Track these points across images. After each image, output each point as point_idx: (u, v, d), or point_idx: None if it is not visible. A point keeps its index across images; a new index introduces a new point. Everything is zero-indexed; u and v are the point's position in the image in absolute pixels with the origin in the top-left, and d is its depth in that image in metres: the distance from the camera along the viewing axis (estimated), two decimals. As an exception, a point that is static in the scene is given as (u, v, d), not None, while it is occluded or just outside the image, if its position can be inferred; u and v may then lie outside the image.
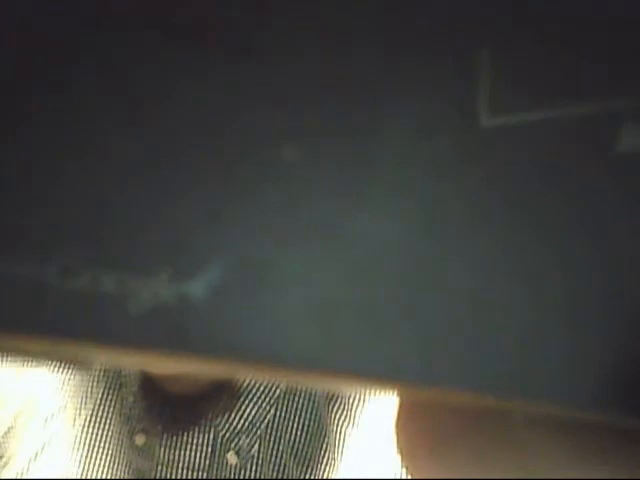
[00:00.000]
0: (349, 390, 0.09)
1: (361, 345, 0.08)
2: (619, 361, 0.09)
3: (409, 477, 0.10)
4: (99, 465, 0.60)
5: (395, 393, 0.09)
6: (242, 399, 0.58)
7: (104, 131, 0.07)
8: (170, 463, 0.58)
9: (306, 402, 0.58)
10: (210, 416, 0.57)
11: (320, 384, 0.09)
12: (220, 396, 0.58)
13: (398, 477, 0.55)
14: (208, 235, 0.07)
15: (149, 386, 0.59)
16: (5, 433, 0.63)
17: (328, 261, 0.08)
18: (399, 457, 0.11)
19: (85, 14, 0.07)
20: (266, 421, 0.58)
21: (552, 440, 0.10)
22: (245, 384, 0.58)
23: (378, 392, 0.10)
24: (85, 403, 0.62)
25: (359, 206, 0.08)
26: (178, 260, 0.07)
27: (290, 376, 0.09)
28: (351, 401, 0.58)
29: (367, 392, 0.10)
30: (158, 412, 0.58)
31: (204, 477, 0.57)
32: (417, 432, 0.10)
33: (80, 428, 0.61)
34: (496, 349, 0.08)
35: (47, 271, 0.07)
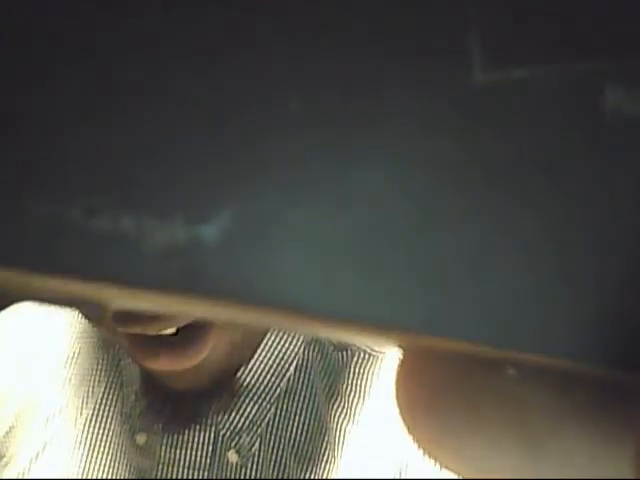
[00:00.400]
0: (348, 338, 0.09)
1: (360, 292, 0.08)
2: (611, 314, 0.09)
3: (408, 433, 0.11)
4: (100, 464, 0.60)
5: (392, 343, 0.10)
6: (243, 398, 0.58)
7: (124, 89, 0.08)
8: (171, 462, 0.58)
9: (306, 401, 0.58)
10: (210, 413, 0.57)
11: (320, 331, 0.09)
12: (220, 393, 0.58)
13: (398, 476, 0.55)
14: (220, 184, 0.08)
15: (150, 383, 0.59)
16: (6, 432, 0.63)
17: (329, 213, 0.08)
18: (399, 414, 0.11)
19: None
20: (267, 420, 0.58)
21: (544, 393, 0.10)
22: (246, 383, 0.58)
23: (375, 341, 0.10)
24: (86, 402, 0.62)
25: (359, 160, 0.08)
26: (192, 205, 0.08)
27: (291, 321, 0.09)
28: (351, 399, 0.58)
29: (366, 341, 0.10)
30: (159, 409, 0.58)
31: (205, 476, 0.57)
32: (415, 389, 0.11)
33: (81, 427, 0.61)
34: (492, 300, 0.09)
35: (70, 211, 0.08)
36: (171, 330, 0.50)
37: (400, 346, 0.10)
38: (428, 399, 0.10)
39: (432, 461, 0.11)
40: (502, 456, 0.10)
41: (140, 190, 0.08)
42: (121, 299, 0.09)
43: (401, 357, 0.11)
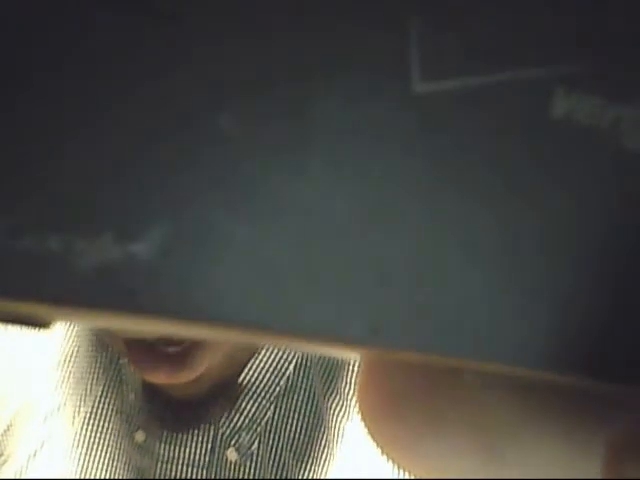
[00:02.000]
0: (296, 348, 0.09)
1: (301, 304, 0.08)
2: (565, 320, 0.09)
3: (370, 437, 0.11)
4: (99, 462, 0.60)
5: (342, 354, 0.10)
6: (242, 397, 0.58)
7: (55, 106, 0.08)
8: (170, 460, 0.58)
9: (305, 399, 0.58)
10: (210, 418, 0.58)
11: (266, 341, 0.09)
12: (221, 398, 0.58)
13: (397, 475, 0.55)
14: (152, 199, 0.08)
15: (151, 390, 0.59)
16: (4, 431, 0.63)
17: (266, 226, 0.08)
18: (361, 420, 0.11)
19: None
20: (266, 418, 0.58)
21: (503, 400, 0.10)
22: (245, 382, 0.58)
23: (325, 352, 0.10)
24: (84, 401, 0.62)
25: (297, 172, 0.08)
26: (123, 222, 0.08)
27: (235, 335, 0.09)
28: (350, 398, 0.58)
29: (314, 350, 0.10)
30: (160, 416, 0.58)
31: (204, 474, 0.57)
32: (376, 393, 0.11)
33: (79, 426, 0.61)
34: (443, 309, 0.08)
35: None
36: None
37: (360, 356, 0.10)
38: (388, 403, 0.11)
39: (392, 463, 0.11)
40: (460, 458, 0.10)
41: (67, 209, 0.07)
42: (59, 317, 0.09)
43: (362, 363, 0.11)
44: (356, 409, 0.11)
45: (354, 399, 0.58)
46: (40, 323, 0.09)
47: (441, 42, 0.08)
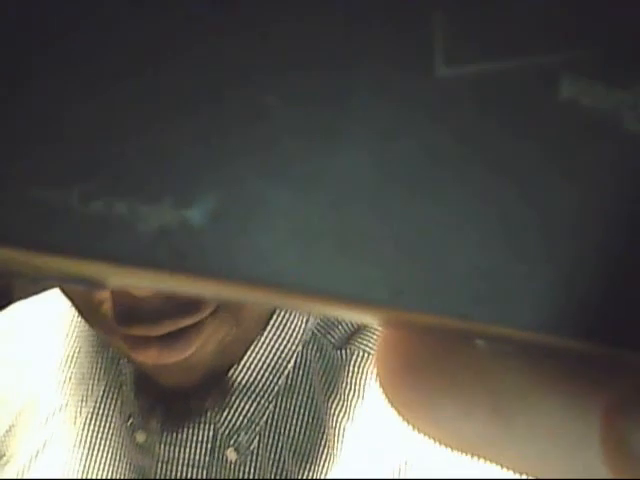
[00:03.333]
0: (328, 313, 0.10)
1: (336, 268, 0.09)
2: (574, 287, 0.09)
3: (387, 401, 0.11)
4: (100, 463, 0.60)
5: (368, 318, 0.10)
6: (240, 395, 0.58)
7: (115, 78, 0.08)
8: (170, 460, 0.58)
9: (305, 399, 0.58)
10: (206, 411, 0.58)
11: (300, 306, 0.10)
12: (211, 390, 0.58)
13: (397, 475, 0.55)
14: (205, 170, 0.09)
15: (142, 383, 0.60)
16: (6, 431, 0.63)
17: (306, 193, 0.09)
18: (379, 385, 0.12)
19: None
20: (265, 417, 0.58)
21: (513, 366, 0.11)
22: (242, 380, 0.58)
23: (354, 316, 0.11)
24: (86, 401, 0.62)
25: (332, 147, 0.09)
26: (180, 190, 0.08)
27: (272, 297, 0.10)
28: (349, 397, 0.58)
29: (342, 315, 0.11)
30: (151, 408, 0.59)
31: (204, 474, 0.57)
32: (395, 360, 0.11)
33: (81, 426, 0.61)
34: (461, 275, 0.09)
35: (68, 196, 0.08)
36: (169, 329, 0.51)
37: (381, 322, 0.11)
38: (404, 369, 0.11)
39: (410, 427, 0.11)
40: (472, 421, 0.11)
41: (132, 177, 0.08)
42: (117, 277, 0.10)
43: (381, 332, 0.12)
44: (374, 373, 0.12)
45: (354, 398, 0.58)
46: (97, 284, 0.10)
47: (461, 30, 0.09)
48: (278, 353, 0.59)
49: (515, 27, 0.09)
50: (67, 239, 0.08)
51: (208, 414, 0.58)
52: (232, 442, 0.57)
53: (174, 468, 0.58)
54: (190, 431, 0.58)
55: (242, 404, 0.58)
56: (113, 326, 0.52)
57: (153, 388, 0.59)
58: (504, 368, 0.11)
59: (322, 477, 0.56)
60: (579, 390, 0.11)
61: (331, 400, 0.58)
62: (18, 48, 0.08)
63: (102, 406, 0.62)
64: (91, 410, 0.62)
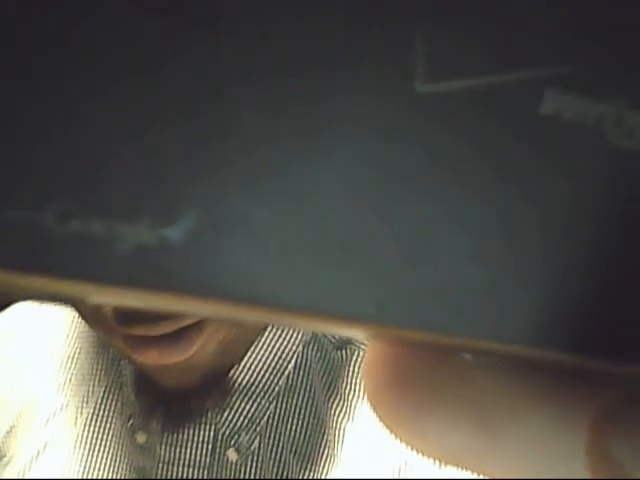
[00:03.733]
0: (313, 328, 0.10)
1: (317, 284, 0.09)
2: (561, 299, 0.09)
3: (375, 414, 0.11)
4: (101, 463, 0.60)
5: (355, 333, 0.10)
6: (241, 396, 0.58)
7: (91, 95, 0.08)
8: (171, 461, 0.58)
9: (305, 398, 0.58)
10: (206, 412, 0.58)
11: (289, 322, 0.10)
12: (212, 391, 0.58)
13: (397, 475, 0.55)
14: (183, 189, 0.09)
15: (142, 383, 0.60)
16: (7, 432, 0.63)
17: (286, 210, 0.09)
18: (367, 397, 0.12)
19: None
20: (266, 417, 0.58)
21: (501, 379, 0.11)
22: (242, 381, 0.58)
23: (335, 330, 0.10)
24: (86, 402, 0.62)
25: (313, 165, 0.09)
26: (158, 209, 0.08)
27: (259, 314, 0.09)
28: (350, 397, 0.58)
29: (328, 330, 0.10)
30: (151, 409, 0.59)
31: (205, 474, 0.57)
32: (382, 373, 0.11)
33: (82, 427, 0.61)
34: (443, 288, 0.09)
35: (44, 216, 0.08)
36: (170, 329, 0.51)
37: (367, 337, 0.11)
38: (392, 382, 0.11)
39: (397, 440, 0.11)
40: (460, 435, 0.11)
41: (109, 196, 0.08)
42: (98, 295, 0.09)
43: (369, 345, 0.12)
44: (363, 387, 0.12)
45: (355, 398, 0.58)
46: (77, 302, 0.10)
47: (442, 46, 0.09)
48: (279, 353, 0.59)
49: (497, 43, 0.09)
50: (44, 260, 0.08)
51: (209, 414, 0.58)
52: (233, 442, 0.57)
53: (175, 469, 0.58)
54: (191, 431, 0.58)
55: (243, 404, 0.58)
56: (113, 326, 0.52)
57: (153, 389, 0.59)
58: (492, 381, 0.11)
59: (323, 477, 0.56)
60: (567, 402, 0.11)
61: (332, 400, 0.58)
62: None
63: (103, 407, 0.62)
64: (91, 411, 0.62)
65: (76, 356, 0.64)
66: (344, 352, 0.59)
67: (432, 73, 0.09)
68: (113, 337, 0.54)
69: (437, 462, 0.11)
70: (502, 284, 0.09)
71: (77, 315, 0.61)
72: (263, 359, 0.59)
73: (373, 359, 0.11)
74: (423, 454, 0.12)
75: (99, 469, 0.60)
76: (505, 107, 0.09)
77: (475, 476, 0.12)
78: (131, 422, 0.60)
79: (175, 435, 0.58)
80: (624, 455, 0.10)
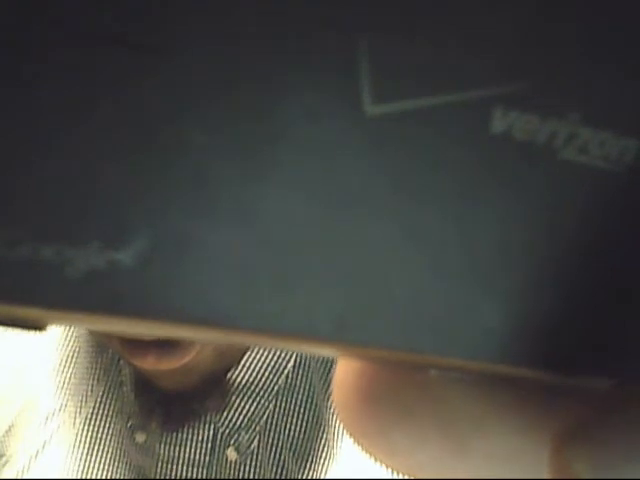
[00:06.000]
0: (276, 346, 0.10)
1: (276, 305, 0.09)
2: (524, 315, 0.09)
3: (346, 430, 0.12)
4: (100, 463, 0.60)
5: (314, 351, 0.10)
6: (240, 395, 0.58)
7: (40, 120, 0.08)
8: (170, 460, 0.58)
9: (304, 397, 0.58)
10: (206, 412, 0.58)
11: (250, 341, 0.10)
12: (211, 393, 0.58)
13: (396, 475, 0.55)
14: (132, 212, 0.08)
15: (142, 384, 0.60)
16: (6, 431, 0.63)
17: (239, 231, 0.09)
18: (337, 414, 0.12)
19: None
20: (265, 417, 0.58)
21: (467, 394, 0.11)
22: (242, 380, 0.58)
23: (297, 348, 0.10)
24: (86, 401, 0.62)
25: (263, 182, 0.09)
26: (108, 232, 0.08)
27: (210, 334, 0.09)
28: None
29: (286, 347, 0.10)
30: (151, 409, 0.59)
31: (204, 473, 0.58)
32: (350, 391, 0.12)
33: (81, 426, 0.62)
34: (406, 307, 0.09)
35: None
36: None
37: (331, 354, 0.11)
38: (360, 399, 0.11)
39: (366, 455, 0.12)
40: (427, 450, 0.11)
41: (58, 221, 0.08)
42: (54, 319, 0.09)
43: (338, 362, 0.12)
44: (333, 403, 0.12)
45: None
46: (34, 326, 0.10)
47: (390, 66, 0.09)
48: (277, 352, 0.59)
49: (445, 63, 0.09)
50: None
51: (208, 414, 0.58)
52: (232, 442, 0.58)
53: (174, 468, 0.58)
54: (190, 431, 0.58)
55: (242, 404, 0.58)
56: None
57: (153, 390, 0.59)
58: (458, 395, 0.11)
59: (322, 476, 0.56)
60: (532, 416, 0.11)
61: (331, 399, 0.58)
62: None
63: (102, 406, 0.62)
64: (91, 410, 0.62)
65: (75, 356, 0.64)
66: (344, 351, 0.59)
67: (380, 93, 0.09)
68: (110, 340, 0.54)
69: (404, 476, 0.11)
70: (462, 300, 0.09)
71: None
72: (262, 358, 0.59)
73: (342, 375, 0.12)
74: (392, 468, 0.12)
75: (98, 469, 0.60)
76: (456, 127, 0.09)
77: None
78: (130, 422, 0.60)
79: (174, 434, 0.58)
80: (584, 471, 0.10)
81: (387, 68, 0.09)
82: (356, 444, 0.12)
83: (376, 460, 0.12)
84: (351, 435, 0.12)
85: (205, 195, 0.09)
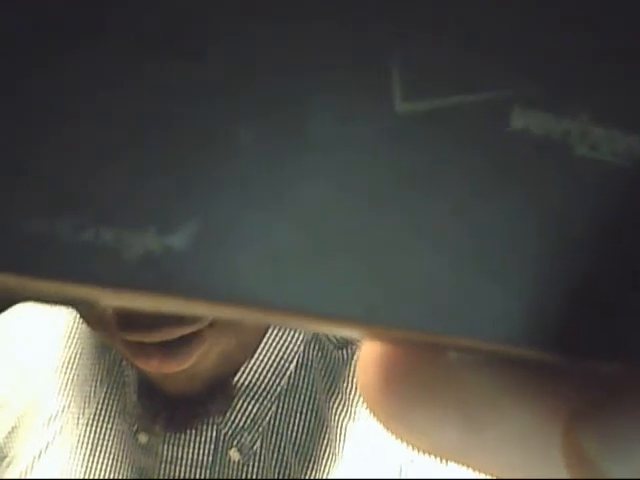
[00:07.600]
0: (307, 328, 0.11)
1: (311, 286, 0.10)
2: (537, 302, 0.10)
3: (370, 412, 0.12)
4: (103, 463, 0.60)
5: (346, 332, 0.11)
6: (243, 397, 0.58)
7: (96, 114, 0.09)
8: (173, 461, 0.58)
9: (307, 399, 0.59)
10: (207, 415, 0.58)
11: (283, 322, 0.11)
12: (215, 398, 0.58)
13: (399, 474, 0.55)
14: (186, 200, 0.09)
15: (146, 388, 0.60)
16: (9, 433, 0.63)
17: (275, 217, 0.09)
18: (362, 395, 0.12)
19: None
20: (268, 418, 0.58)
21: (483, 376, 0.12)
22: (246, 382, 0.58)
23: (332, 330, 0.11)
24: (88, 402, 0.62)
25: (301, 178, 0.10)
26: (163, 219, 0.09)
27: (256, 315, 0.10)
28: (351, 397, 0.58)
29: (316, 329, 0.11)
30: (155, 413, 0.59)
31: (207, 474, 0.58)
32: (375, 372, 0.12)
33: (83, 427, 0.62)
34: (432, 292, 0.10)
35: (60, 227, 0.09)
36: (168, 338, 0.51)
37: (358, 336, 0.11)
38: (383, 378, 0.12)
39: (391, 434, 0.12)
40: (446, 429, 0.12)
41: (119, 209, 0.09)
42: (107, 299, 0.10)
43: (363, 344, 0.12)
44: (357, 385, 0.13)
45: (356, 397, 0.58)
46: (92, 305, 0.11)
47: (420, 66, 0.10)
48: (280, 354, 0.59)
49: (468, 65, 0.10)
50: (58, 266, 0.09)
51: (210, 415, 0.58)
52: (235, 443, 0.58)
53: (177, 468, 0.58)
54: (193, 432, 0.58)
55: (245, 405, 0.58)
56: (115, 331, 0.52)
57: (157, 393, 0.59)
58: (476, 378, 0.12)
59: (325, 476, 0.56)
60: (546, 398, 0.12)
61: (333, 400, 0.58)
62: None
63: (105, 407, 0.62)
64: (93, 411, 0.62)
65: (78, 357, 0.64)
66: (345, 352, 0.60)
67: (410, 93, 0.10)
68: (114, 342, 0.54)
69: (424, 454, 0.12)
70: (484, 284, 0.10)
71: (78, 316, 0.61)
72: (265, 359, 0.59)
73: (366, 357, 0.12)
74: (412, 447, 0.12)
75: (101, 469, 0.60)
76: (478, 124, 0.10)
77: (476, 475, 0.12)
78: (133, 423, 0.60)
79: (177, 435, 0.58)
80: (595, 453, 0.10)
81: (417, 68, 0.10)
82: (379, 423, 0.12)
83: (397, 438, 0.12)
84: (374, 414, 0.12)
85: (247, 185, 0.09)
